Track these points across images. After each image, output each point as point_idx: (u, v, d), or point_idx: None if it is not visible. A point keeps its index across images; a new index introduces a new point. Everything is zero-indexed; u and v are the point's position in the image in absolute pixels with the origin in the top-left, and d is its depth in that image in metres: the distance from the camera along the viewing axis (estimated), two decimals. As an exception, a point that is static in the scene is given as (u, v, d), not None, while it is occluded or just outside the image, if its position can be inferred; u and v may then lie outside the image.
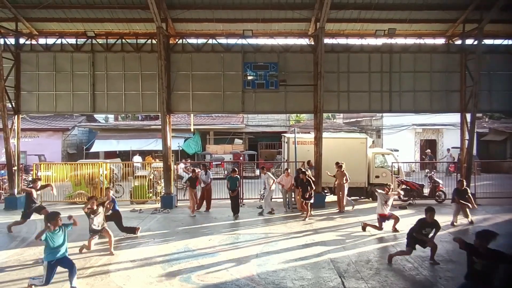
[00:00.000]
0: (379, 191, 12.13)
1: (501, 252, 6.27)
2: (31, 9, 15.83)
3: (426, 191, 16.93)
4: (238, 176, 14.85)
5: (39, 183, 12.81)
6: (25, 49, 17.19)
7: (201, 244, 10.88)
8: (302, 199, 13.97)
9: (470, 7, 15.74)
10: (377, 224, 11.93)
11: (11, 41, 16.93)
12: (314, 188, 14.18)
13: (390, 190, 12.00)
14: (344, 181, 15.06)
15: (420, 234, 9.06)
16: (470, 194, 13.45)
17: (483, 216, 14.01)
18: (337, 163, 15.31)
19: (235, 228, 12.66)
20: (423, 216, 9.19)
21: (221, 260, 9.51)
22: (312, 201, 14.03)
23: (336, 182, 15.44)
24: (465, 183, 13.69)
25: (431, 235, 9.15)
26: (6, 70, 16.22)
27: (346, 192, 15.24)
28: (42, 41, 17.34)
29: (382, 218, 11.92)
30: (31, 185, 12.86)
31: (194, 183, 14.88)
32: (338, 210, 15.08)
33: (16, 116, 17.07)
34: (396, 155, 19.07)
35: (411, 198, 16.48)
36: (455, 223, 12.90)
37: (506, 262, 6.30)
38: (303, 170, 14.51)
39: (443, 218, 13.12)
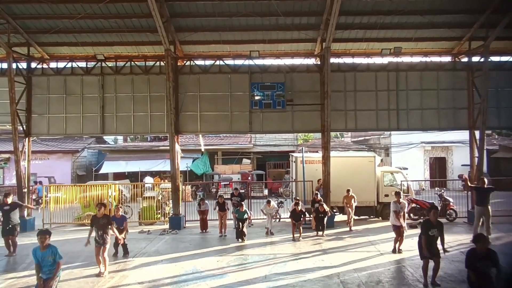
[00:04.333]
0: (392, 201, 12.05)
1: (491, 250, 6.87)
2: (43, 34, 16.23)
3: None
4: (247, 210, 14.60)
5: (10, 198, 12.49)
6: (36, 73, 17.54)
7: (209, 265, 10.79)
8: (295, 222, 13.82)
9: (476, 25, 15.82)
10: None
11: (23, 65, 17.31)
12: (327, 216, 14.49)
13: (401, 197, 11.92)
14: (353, 202, 15.38)
15: (428, 236, 8.73)
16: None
17: (495, 235, 13.71)
18: (347, 190, 15.47)
19: (244, 249, 12.55)
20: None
21: (229, 282, 9.41)
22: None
23: (345, 203, 15.58)
24: (486, 181, 13.30)
25: (439, 243, 8.82)
26: (18, 94, 16.53)
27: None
28: (53, 65, 17.69)
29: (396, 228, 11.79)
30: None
31: (223, 207, 14.85)
32: (349, 230, 15.15)
33: (27, 138, 17.28)
34: (405, 173, 18.90)
35: (421, 217, 16.27)
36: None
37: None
38: (322, 203, 14.36)
39: (455, 237, 12.99)
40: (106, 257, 10.14)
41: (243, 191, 17.14)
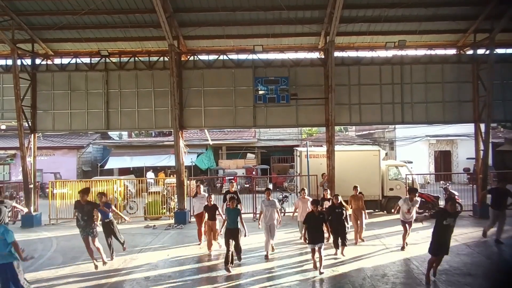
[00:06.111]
0: (403, 197, 11.37)
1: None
2: (47, 30, 16.27)
3: (441, 203, 16.70)
4: (239, 208, 10.94)
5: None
6: (41, 69, 17.60)
7: (215, 259, 10.85)
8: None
9: (481, 17, 15.67)
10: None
11: (27, 61, 17.39)
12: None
13: (416, 196, 10.91)
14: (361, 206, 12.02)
15: (442, 226, 8.21)
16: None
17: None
18: (354, 187, 12.21)
19: (249, 244, 12.54)
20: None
21: (234, 274, 9.46)
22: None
23: (352, 208, 12.07)
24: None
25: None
26: (22, 90, 16.58)
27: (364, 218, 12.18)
28: (57, 61, 17.76)
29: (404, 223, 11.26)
30: None
31: (213, 215, 11.27)
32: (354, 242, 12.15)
33: (32, 135, 17.38)
34: (410, 167, 18.87)
35: (427, 211, 16.25)
36: (486, 234, 12.11)
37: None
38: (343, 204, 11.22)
39: (460, 231, 12.95)
40: (99, 246, 9.93)
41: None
